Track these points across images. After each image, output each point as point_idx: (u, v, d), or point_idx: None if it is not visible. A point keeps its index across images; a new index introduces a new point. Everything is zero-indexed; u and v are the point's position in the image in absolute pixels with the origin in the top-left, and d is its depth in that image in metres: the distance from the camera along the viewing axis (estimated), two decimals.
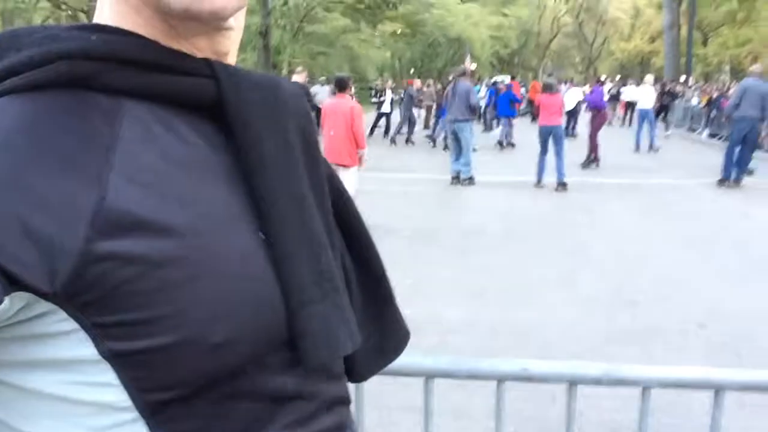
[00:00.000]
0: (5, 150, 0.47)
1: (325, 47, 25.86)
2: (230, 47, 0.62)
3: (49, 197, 0.46)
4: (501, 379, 1.24)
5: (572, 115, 16.43)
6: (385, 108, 16.89)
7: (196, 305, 0.50)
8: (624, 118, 21.62)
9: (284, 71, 22.94)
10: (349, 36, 25.85)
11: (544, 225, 7.37)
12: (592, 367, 1.24)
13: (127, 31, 0.55)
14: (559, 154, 9.49)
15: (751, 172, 10.54)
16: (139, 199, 0.49)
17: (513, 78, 21.97)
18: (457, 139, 9.86)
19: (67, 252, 0.46)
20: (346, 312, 0.61)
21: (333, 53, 26.50)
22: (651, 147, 14.09)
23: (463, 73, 10.21)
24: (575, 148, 12.50)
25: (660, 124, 17.46)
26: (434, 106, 16.50)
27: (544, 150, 9.70)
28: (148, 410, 0.51)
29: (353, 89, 7.65)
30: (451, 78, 11.43)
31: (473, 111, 9.99)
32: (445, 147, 12.99)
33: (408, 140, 15.64)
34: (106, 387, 0.50)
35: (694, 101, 19.32)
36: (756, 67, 10.12)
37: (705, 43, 35.43)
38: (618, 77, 29.63)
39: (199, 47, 0.59)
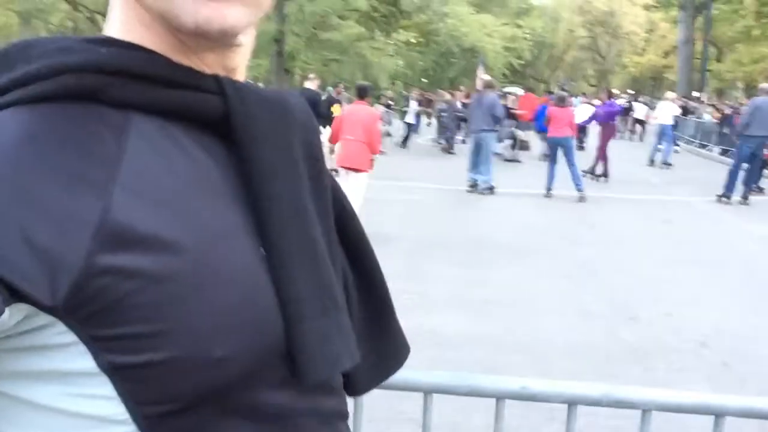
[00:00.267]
0: (8, 161, 0.47)
1: (338, 54, 25.93)
2: (239, 63, 0.63)
3: (52, 209, 0.47)
4: (500, 397, 1.23)
5: (582, 129, 16.37)
6: (409, 118, 17.02)
7: (196, 320, 0.51)
8: (632, 133, 21.55)
9: (297, 77, 23.02)
10: (362, 44, 25.91)
11: (548, 239, 7.35)
12: (592, 387, 1.23)
13: (137, 45, 0.56)
14: (571, 165, 9.66)
15: (761, 190, 10.46)
16: (143, 214, 0.50)
17: (528, 90, 21.60)
18: (477, 150, 10.03)
19: (69, 265, 0.46)
20: (346, 328, 0.61)
21: (346, 61, 26.56)
22: (664, 162, 14.02)
23: (490, 85, 10.53)
24: (584, 162, 12.53)
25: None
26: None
27: (553, 160, 9.92)
28: (145, 423, 0.51)
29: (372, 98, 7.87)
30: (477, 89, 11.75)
31: (498, 122, 10.24)
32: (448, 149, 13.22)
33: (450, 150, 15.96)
34: (103, 400, 0.51)
35: (706, 117, 19.23)
36: (766, 86, 10.01)
37: (719, 59, 35.27)
38: (630, 91, 29.53)
39: (208, 63, 0.59)
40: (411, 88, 25.25)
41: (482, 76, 11.24)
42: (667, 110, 14.44)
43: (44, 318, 0.48)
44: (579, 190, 9.68)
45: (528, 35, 37.91)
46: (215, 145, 0.59)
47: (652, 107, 20.06)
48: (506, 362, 3.90)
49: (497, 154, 14.68)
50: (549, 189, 9.87)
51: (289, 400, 0.58)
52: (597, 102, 15.47)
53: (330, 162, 6.12)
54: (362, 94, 7.15)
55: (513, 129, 14.67)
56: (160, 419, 0.52)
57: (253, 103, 0.59)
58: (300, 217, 0.59)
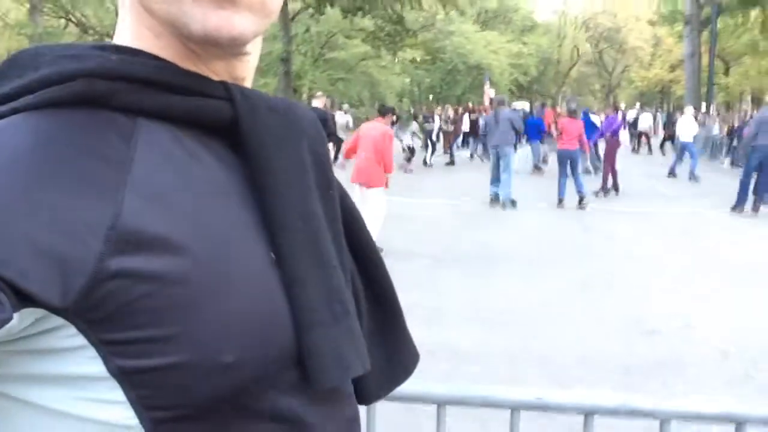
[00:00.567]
0: (18, 166, 0.47)
1: (345, 73, 26.18)
2: (247, 72, 0.63)
3: (63, 214, 0.47)
4: (515, 408, 1.21)
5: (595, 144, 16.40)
6: (433, 136, 17.19)
7: (206, 325, 0.50)
8: (637, 146, 21.50)
9: (304, 96, 23.21)
10: (369, 63, 26.15)
11: (564, 251, 7.33)
12: (609, 397, 1.21)
13: (146, 52, 0.56)
14: (575, 175, 10.08)
15: None
16: (154, 218, 0.50)
17: (544, 105, 21.30)
18: (497, 164, 10.29)
19: (80, 268, 0.46)
20: (356, 334, 0.61)
21: (353, 79, 26.81)
22: (691, 176, 13.93)
23: (502, 102, 11.01)
24: (592, 178, 12.69)
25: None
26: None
27: (563, 172, 10.21)
28: (154, 429, 0.51)
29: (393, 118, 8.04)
30: (492, 106, 12.44)
31: (518, 134, 10.63)
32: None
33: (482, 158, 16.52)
34: (112, 404, 0.50)
35: (716, 130, 19.20)
36: None
37: (727, 72, 35.24)
38: (637, 105, 29.54)
39: (216, 71, 0.60)
40: (436, 105, 25.60)
41: (490, 92, 11.61)
42: (688, 127, 14.36)
43: (54, 321, 0.48)
44: (580, 192, 10.02)
45: (533, 52, 38.17)
46: (224, 151, 0.59)
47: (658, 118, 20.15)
48: (523, 375, 3.85)
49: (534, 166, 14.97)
50: (561, 199, 10.17)
51: (301, 406, 0.58)
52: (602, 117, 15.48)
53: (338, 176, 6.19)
54: (383, 112, 7.28)
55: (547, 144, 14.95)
56: (170, 425, 0.51)
57: (262, 109, 0.60)
58: (309, 223, 0.59)
